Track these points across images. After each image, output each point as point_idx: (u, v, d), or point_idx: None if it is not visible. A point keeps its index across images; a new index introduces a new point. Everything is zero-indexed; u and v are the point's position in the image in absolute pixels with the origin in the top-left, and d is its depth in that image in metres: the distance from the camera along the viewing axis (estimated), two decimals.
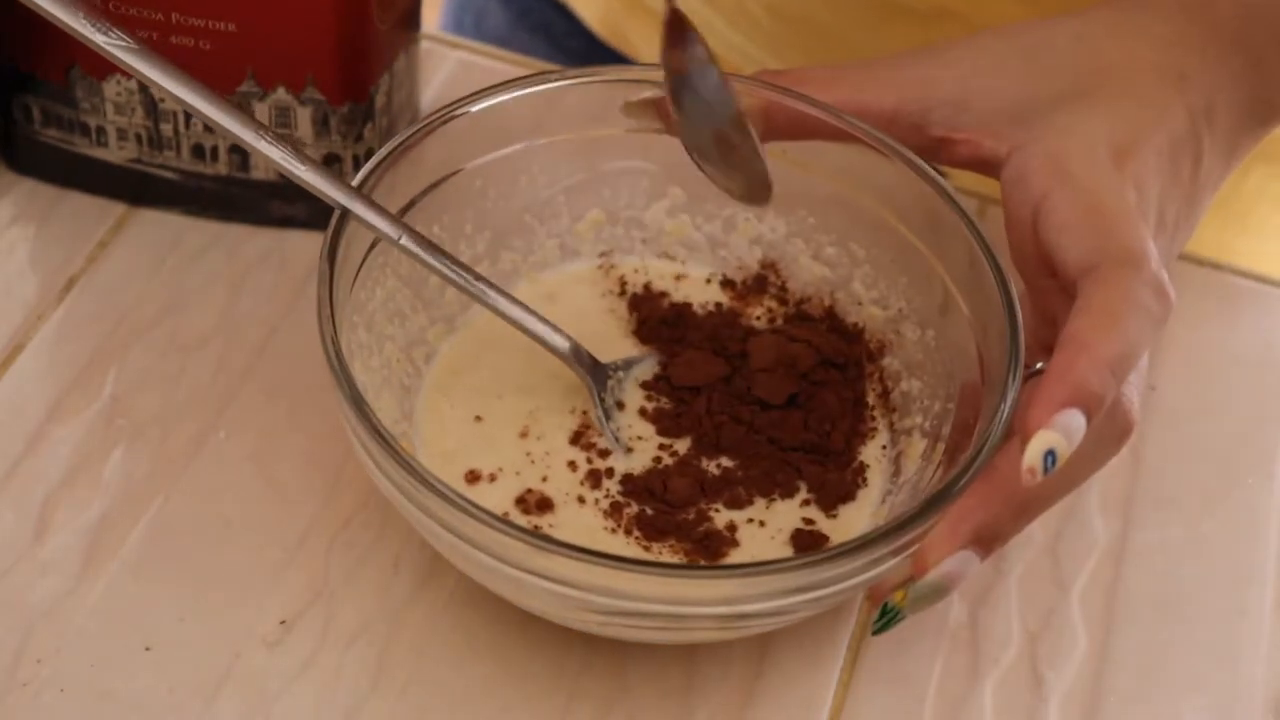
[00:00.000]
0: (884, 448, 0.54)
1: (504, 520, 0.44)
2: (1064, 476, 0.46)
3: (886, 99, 0.53)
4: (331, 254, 0.49)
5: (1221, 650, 0.53)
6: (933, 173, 0.52)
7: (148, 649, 0.50)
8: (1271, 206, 0.72)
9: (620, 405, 0.54)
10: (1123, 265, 0.46)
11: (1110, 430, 0.47)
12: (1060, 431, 0.44)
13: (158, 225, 0.61)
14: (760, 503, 0.52)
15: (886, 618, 0.47)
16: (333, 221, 0.50)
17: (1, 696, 0.48)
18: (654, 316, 0.57)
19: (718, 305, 0.58)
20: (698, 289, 0.59)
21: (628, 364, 0.55)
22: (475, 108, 0.54)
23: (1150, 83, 0.51)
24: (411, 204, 0.53)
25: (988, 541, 0.46)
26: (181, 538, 0.53)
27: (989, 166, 0.52)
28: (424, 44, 0.65)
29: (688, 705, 0.50)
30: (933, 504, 0.46)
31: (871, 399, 0.55)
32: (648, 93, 0.54)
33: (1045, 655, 0.52)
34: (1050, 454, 0.44)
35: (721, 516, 0.52)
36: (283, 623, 0.51)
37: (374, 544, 0.53)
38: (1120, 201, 0.48)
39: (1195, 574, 0.55)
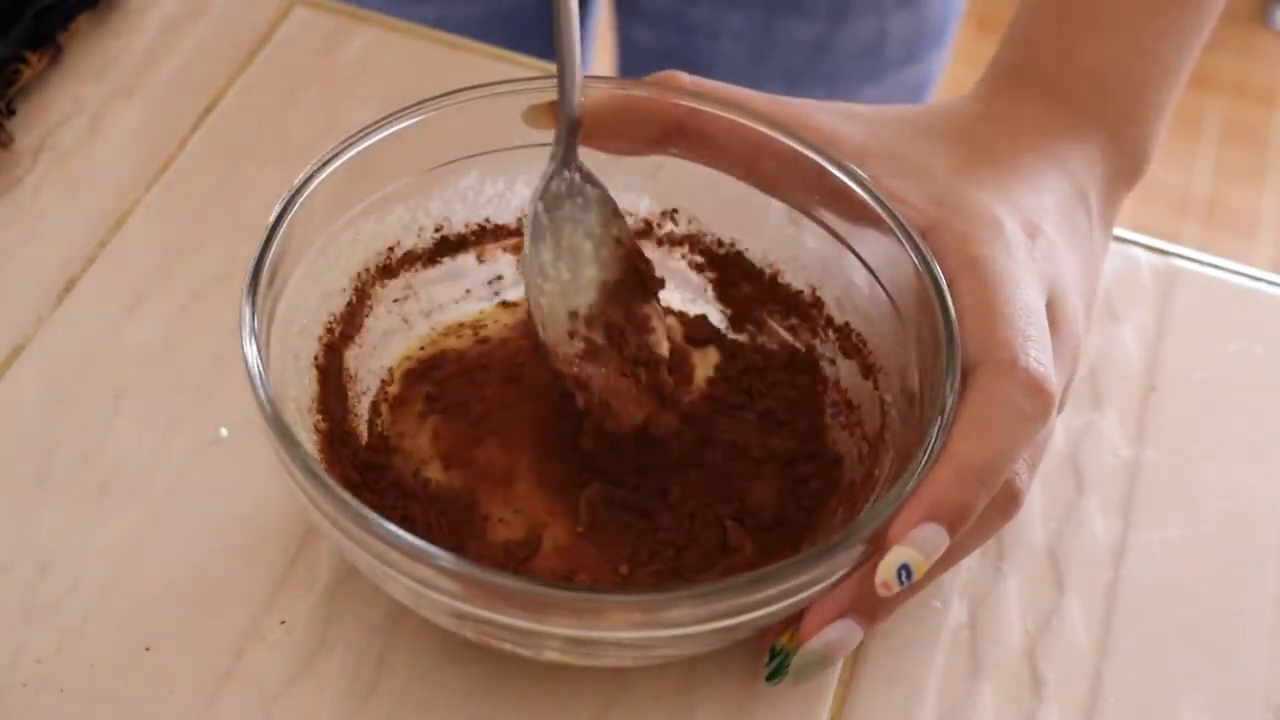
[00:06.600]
0: None
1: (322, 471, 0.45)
2: (951, 549, 0.46)
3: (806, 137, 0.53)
4: (254, 284, 0.48)
5: (1221, 650, 0.53)
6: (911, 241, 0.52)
7: (148, 649, 0.50)
8: None
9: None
10: (997, 366, 0.47)
11: (995, 504, 0.48)
12: (916, 547, 0.45)
13: (158, 223, 0.61)
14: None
15: (776, 661, 0.48)
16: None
17: (1, 696, 0.49)
18: None
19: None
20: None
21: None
22: (475, 97, 0.53)
23: (1040, 168, 0.54)
24: (403, 183, 0.54)
25: (869, 612, 0.47)
26: (181, 537, 0.53)
27: None
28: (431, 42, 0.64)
29: (688, 704, 0.50)
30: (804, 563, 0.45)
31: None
32: (548, 97, 0.53)
33: (1045, 655, 0.52)
34: (905, 568, 0.45)
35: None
36: (283, 623, 0.51)
37: None
38: (1013, 292, 0.49)
39: (1195, 574, 0.55)
